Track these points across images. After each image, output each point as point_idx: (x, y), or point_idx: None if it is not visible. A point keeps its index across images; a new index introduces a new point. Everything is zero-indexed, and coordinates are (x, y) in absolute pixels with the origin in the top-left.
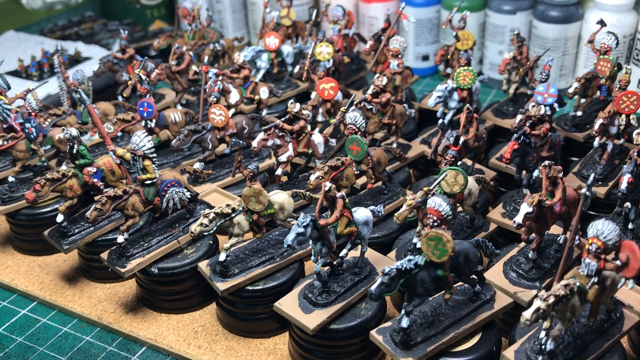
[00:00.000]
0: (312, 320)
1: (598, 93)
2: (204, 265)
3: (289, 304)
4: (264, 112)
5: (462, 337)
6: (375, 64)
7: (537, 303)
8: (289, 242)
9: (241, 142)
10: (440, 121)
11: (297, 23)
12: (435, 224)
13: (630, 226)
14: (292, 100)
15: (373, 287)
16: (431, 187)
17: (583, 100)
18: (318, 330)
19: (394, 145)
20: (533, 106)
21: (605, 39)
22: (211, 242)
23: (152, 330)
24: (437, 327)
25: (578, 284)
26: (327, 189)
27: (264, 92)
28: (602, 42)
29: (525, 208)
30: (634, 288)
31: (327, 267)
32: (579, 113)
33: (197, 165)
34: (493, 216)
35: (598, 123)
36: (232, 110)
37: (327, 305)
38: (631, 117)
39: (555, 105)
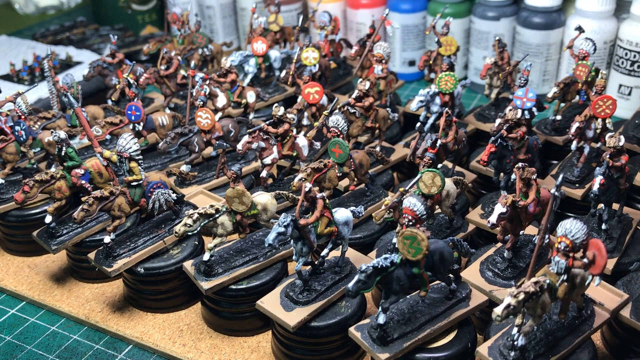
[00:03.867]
0: (293, 317)
1: (577, 97)
2: (188, 265)
3: (270, 302)
4: (251, 116)
5: (438, 334)
6: (361, 68)
7: (507, 299)
8: (270, 241)
9: (224, 144)
10: (418, 124)
11: (285, 29)
12: (411, 223)
13: (603, 227)
14: (276, 104)
15: (350, 284)
16: (407, 188)
17: (562, 104)
18: (299, 328)
19: (377, 149)
20: (510, 110)
21: (583, 44)
22: (196, 243)
23: (138, 329)
24: (413, 323)
25: (548, 281)
26: (307, 189)
27: (250, 96)
28: (581, 47)
29: (499, 208)
30: (605, 286)
31: (309, 267)
32: (559, 117)
33: (184, 168)
34: (472, 217)
35: (574, 127)
36: (220, 114)
37: (308, 303)
38: (607, 121)
39: (534, 109)
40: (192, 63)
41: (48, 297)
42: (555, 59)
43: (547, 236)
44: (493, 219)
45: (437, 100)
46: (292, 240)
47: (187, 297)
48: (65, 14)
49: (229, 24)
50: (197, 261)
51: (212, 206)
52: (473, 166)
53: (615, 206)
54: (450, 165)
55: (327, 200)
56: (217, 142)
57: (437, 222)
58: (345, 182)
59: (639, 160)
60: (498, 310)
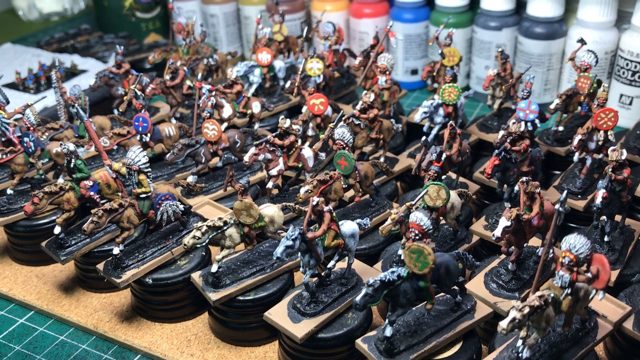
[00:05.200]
0: (301, 329)
1: (579, 109)
2: (196, 276)
3: (278, 314)
4: (256, 126)
5: (444, 346)
6: (365, 79)
7: (512, 313)
8: (278, 254)
9: (233, 157)
10: (423, 138)
11: (289, 38)
12: (417, 237)
13: (606, 239)
14: (282, 116)
15: (358, 298)
16: (414, 202)
17: (565, 115)
18: (306, 339)
19: (382, 159)
20: (514, 123)
21: (585, 56)
22: (204, 254)
23: (147, 338)
24: (419, 336)
25: (552, 295)
26: (314, 203)
27: (256, 107)
28: (583, 59)
29: (503, 222)
30: (608, 298)
31: (316, 278)
32: (561, 128)
33: (190, 179)
34: (476, 228)
35: (577, 139)
36: (225, 124)
37: (315, 315)
38: (609, 132)
39: (537, 121)
40: (199, 75)
41: (56, 307)
42: (556, 68)
43: (551, 250)
44: (498, 232)
45: (441, 111)
46: (299, 253)
47: (194, 308)
48: (69, 21)
49: (232, 32)
50: (205, 272)
51: (220, 219)
52: (476, 177)
53: (618, 218)
54: (454, 176)
55: (334, 213)
56: (224, 155)
57: (442, 233)
58: (350, 193)
59: None
60: (503, 324)
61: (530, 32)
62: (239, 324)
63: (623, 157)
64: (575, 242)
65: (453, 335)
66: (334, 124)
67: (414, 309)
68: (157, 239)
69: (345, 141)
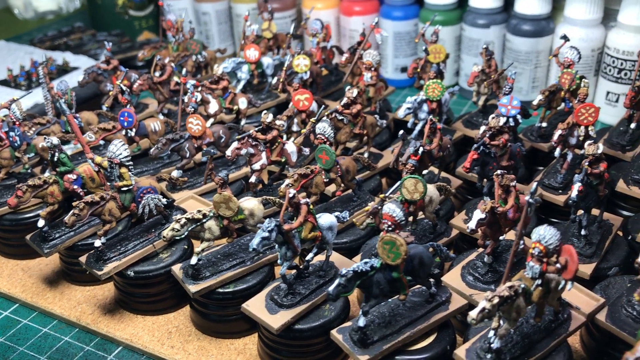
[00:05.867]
0: (277, 320)
1: (563, 105)
2: (177, 269)
3: (255, 305)
4: (243, 122)
5: (418, 337)
6: (352, 75)
7: (482, 303)
8: (254, 245)
9: (212, 150)
10: (401, 132)
11: (278, 35)
12: (390, 228)
13: (583, 232)
14: (265, 111)
15: (331, 288)
16: (387, 194)
17: (548, 112)
18: (283, 330)
19: (365, 155)
20: (493, 118)
21: (568, 53)
22: (185, 247)
23: (128, 330)
24: (393, 326)
25: (523, 285)
26: (291, 195)
27: (242, 103)
28: (566, 56)
29: (478, 214)
30: (582, 290)
31: (294, 271)
32: (544, 124)
33: (175, 173)
34: (456, 222)
35: (557, 134)
36: (212, 120)
37: (292, 306)
38: (590, 128)
39: (519, 116)
40: (184, 70)
41: (40, 300)
42: (544, 66)
43: (522, 242)
44: (472, 224)
45: (425, 107)
46: (276, 245)
47: (176, 300)
48: (64, 19)
49: (224, 30)
50: (185, 265)
51: (199, 211)
52: (459, 172)
53: (596, 212)
54: (436, 171)
55: (312, 206)
56: (206, 148)
57: (421, 227)
58: (333, 188)
59: (622, 167)
60: (473, 314)
61: (518, 29)
62: (219, 316)
63: (599, 151)
64: (544, 233)
65: (427, 326)
66: (315, 119)
67: (389, 300)
68: (139, 232)
69: (326, 135)
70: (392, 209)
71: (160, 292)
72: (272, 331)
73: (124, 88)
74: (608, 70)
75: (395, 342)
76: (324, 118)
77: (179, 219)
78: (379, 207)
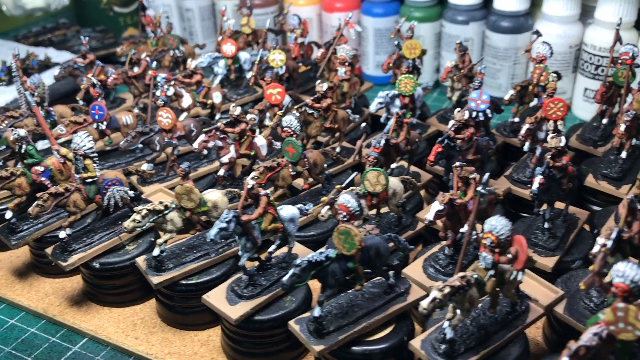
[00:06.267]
0: (236, 311)
1: (536, 100)
2: (141, 260)
3: (216, 296)
4: (217, 117)
5: (377, 327)
6: (328, 71)
7: (433, 293)
8: (211, 236)
9: (174, 142)
10: (363, 124)
11: (258, 31)
12: (345, 218)
13: (546, 225)
14: (233, 105)
15: (285, 278)
16: (343, 185)
17: (521, 107)
18: (243, 321)
19: (337, 149)
20: (458, 111)
21: (540, 48)
22: (152, 239)
23: (94, 322)
24: (350, 317)
25: (476, 276)
26: (249, 186)
27: (217, 97)
28: (538, 51)
29: (436, 206)
30: (543, 283)
31: (256, 262)
32: (517, 119)
33: (145, 166)
34: (422, 216)
35: (525, 128)
36: (185, 114)
37: (252, 297)
38: (558, 122)
39: (488, 111)
40: (154, 63)
41: (9, 292)
42: (523, 62)
43: (475, 232)
44: (430, 215)
45: (397, 102)
46: (237, 237)
47: (142, 292)
48: (52, 16)
49: (208, 26)
50: (149, 256)
51: (161, 202)
52: (429, 166)
53: (562, 206)
54: (406, 165)
55: (271, 197)
56: (165, 140)
57: (387, 220)
58: (302, 181)
59: (594, 162)
60: (424, 304)
61: (497, 26)
62: (183, 308)
63: (562, 144)
64: (496, 224)
65: (384, 317)
66: (282, 111)
67: (349, 291)
68: (106, 225)
69: (293, 128)
70: (347, 200)
71: (126, 284)
72: (231, 322)
73: (95, 81)
74: (585, 67)
75: (352, 333)
76: (294, 111)
77: (140, 210)
78: (335, 198)
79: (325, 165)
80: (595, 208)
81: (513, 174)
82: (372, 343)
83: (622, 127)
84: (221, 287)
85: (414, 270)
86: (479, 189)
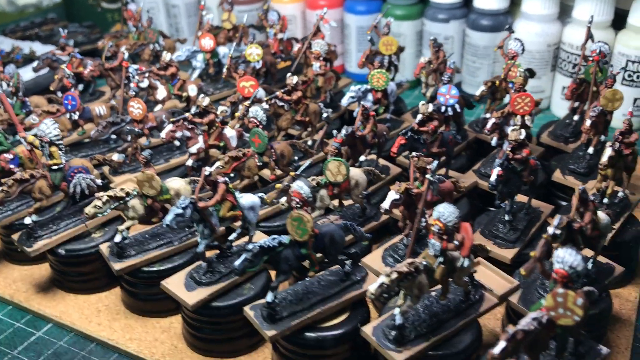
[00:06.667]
0: (193, 297)
1: (508, 96)
2: (104, 247)
3: (174, 283)
4: (193, 110)
5: (332, 314)
6: (306, 66)
7: (381, 279)
8: (167, 222)
9: (135, 129)
10: (324, 114)
11: (239, 26)
12: (298, 205)
13: (506, 217)
14: (202, 95)
15: (237, 263)
16: (297, 172)
17: (493, 103)
18: (202, 308)
19: (309, 142)
20: (422, 104)
21: (512, 44)
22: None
23: (59, 308)
24: (304, 303)
25: (425, 263)
26: (206, 173)
27: (192, 90)
28: (510, 48)
29: (392, 195)
30: (499, 273)
31: (217, 250)
32: (489, 115)
33: (116, 157)
34: (385, 206)
35: (490, 122)
36: (160, 106)
37: (210, 284)
38: (526, 117)
39: (457, 106)
40: (126, 54)
41: None
42: (502, 60)
43: (424, 220)
44: (386, 205)
45: (370, 96)
46: (195, 223)
47: (108, 280)
48: (44, 12)
49: (194, 22)
50: (112, 243)
51: (122, 189)
52: (400, 160)
53: (525, 199)
54: (376, 158)
55: (230, 185)
56: (127, 128)
57: (352, 211)
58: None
59: (563, 158)
60: (372, 289)
61: (477, 24)
62: (146, 295)
63: (522, 137)
64: (443, 211)
65: (338, 304)
66: (248, 102)
67: (306, 279)
68: (73, 212)
69: (259, 119)
70: (300, 186)
71: (92, 271)
72: (188, 307)
73: (68, 72)
74: (563, 65)
75: (305, 319)
76: (263, 103)
77: (101, 196)
78: (289, 185)
79: (296, 158)
80: (563, 203)
81: (481, 168)
82: (326, 329)
83: (588, 123)
84: (180, 273)
85: (374, 259)
86: (427, 176)
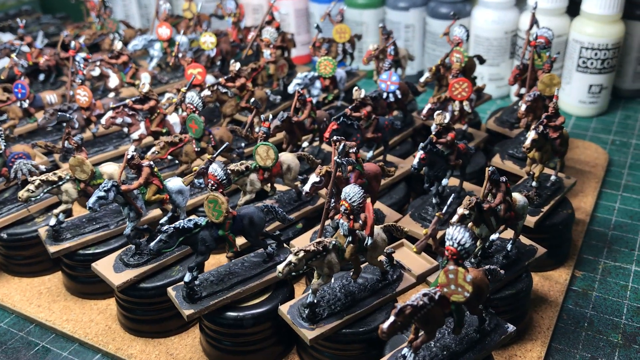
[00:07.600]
0: (120, 278)
1: None
2: (42, 230)
3: (104, 265)
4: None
5: (254, 293)
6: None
7: (289, 257)
8: (90, 204)
9: (67, 115)
10: (252, 99)
11: (200, 16)
12: (213, 187)
13: (434, 200)
14: (143, 82)
15: (152, 243)
16: (214, 156)
17: (440, 89)
18: (130, 289)
19: (257, 130)
20: (356, 89)
21: (457, 31)
22: None
23: (2, 291)
24: (225, 284)
25: (334, 242)
26: (129, 156)
27: (145, 78)
28: (455, 34)
29: (313, 178)
30: (422, 255)
31: (147, 234)
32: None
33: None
34: (323, 192)
35: (427, 108)
36: (112, 94)
37: (138, 266)
38: (464, 103)
39: (398, 92)
40: (72, 43)
41: None
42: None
43: (332, 201)
44: (307, 187)
45: (318, 84)
46: (121, 206)
47: (52, 263)
48: (18, 4)
49: (147, 13)
50: (49, 226)
51: (54, 173)
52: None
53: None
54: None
55: (156, 168)
56: (58, 113)
57: (289, 196)
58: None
59: (505, 144)
60: (280, 267)
61: (436, 12)
62: (84, 278)
63: (446, 121)
64: (349, 192)
65: (259, 284)
66: (185, 88)
67: (232, 261)
68: (16, 197)
69: (195, 105)
70: (215, 169)
71: (34, 255)
72: (114, 288)
73: (17, 60)
74: (520, 52)
75: (224, 298)
76: (205, 90)
77: (34, 180)
78: (205, 168)
79: (243, 144)
80: None
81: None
82: (247, 309)
83: (523, 107)
84: (111, 256)
85: (302, 242)
86: (335, 158)
